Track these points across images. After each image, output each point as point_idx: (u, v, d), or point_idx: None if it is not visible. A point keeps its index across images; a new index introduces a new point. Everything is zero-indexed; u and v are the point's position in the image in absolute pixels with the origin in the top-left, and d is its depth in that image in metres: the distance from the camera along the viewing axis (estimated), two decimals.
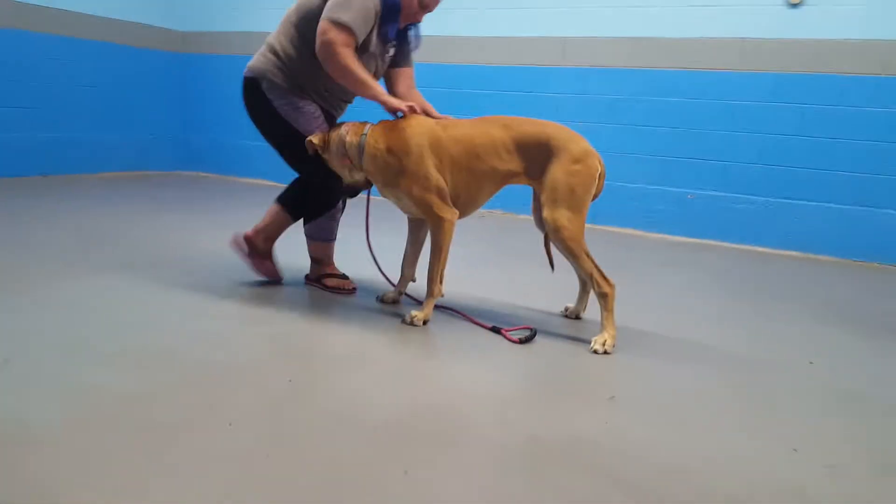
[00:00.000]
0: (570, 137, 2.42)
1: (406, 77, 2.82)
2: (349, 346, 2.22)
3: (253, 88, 2.67)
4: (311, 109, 2.67)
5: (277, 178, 6.41)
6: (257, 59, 2.68)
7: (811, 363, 2.35)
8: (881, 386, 2.18)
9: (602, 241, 4.52)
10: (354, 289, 2.91)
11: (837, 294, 3.51)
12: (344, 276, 2.94)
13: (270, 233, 2.80)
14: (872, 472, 1.60)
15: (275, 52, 2.65)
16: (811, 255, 4.62)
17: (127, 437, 1.52)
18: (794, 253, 4.67)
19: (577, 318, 2.72)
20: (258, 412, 1.69)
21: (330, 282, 2.90)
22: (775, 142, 4.65)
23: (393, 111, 2.53)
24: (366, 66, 2.61)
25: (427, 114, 2.57)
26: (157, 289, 2.71)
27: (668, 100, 4.92)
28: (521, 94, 5.43)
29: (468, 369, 2.09)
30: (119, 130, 6.52)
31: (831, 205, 4.55)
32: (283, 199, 2.79)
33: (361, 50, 2.57)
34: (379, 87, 2.52)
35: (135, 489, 1.32)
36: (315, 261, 2.94)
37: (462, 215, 2.53)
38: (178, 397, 1.75)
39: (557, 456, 1.58)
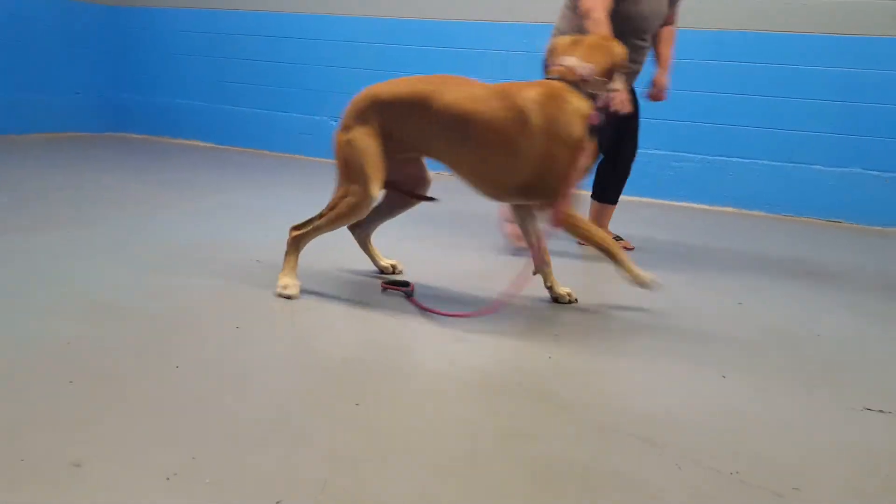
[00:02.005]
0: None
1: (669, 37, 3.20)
2: (300, 295, 2.22)
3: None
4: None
5: (213, 139, 6.27)
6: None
7: (740, 304, 2.48)
8: (802, 321, 2.32)
9: None
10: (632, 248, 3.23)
11: (767, 246, 3.68)
12: (619, 238, 3.28)
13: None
14: (796, 393, 1.72)
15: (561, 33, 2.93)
16: (745, 211, 4.82)
17: (73, 386, 1.50)
18: (728, 209, 4.86)
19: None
20: (206, 357, 1.69)
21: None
22: (713, 100, 4.79)
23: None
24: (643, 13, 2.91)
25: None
26: (96, 246, 2.64)
27: None
28: (468, 52, 5.42)
29: (418, 313, 2.12)
30: (43, 90, 6.20)
31: (764, 161, 4.73)
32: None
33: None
34: None
35: (82, 437, 1.31)
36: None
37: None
38: (122, 345, 1.73)
39: (503, 385, 1.63)
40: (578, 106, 2.11)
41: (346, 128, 2.22)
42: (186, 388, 1.51)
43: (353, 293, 2.30)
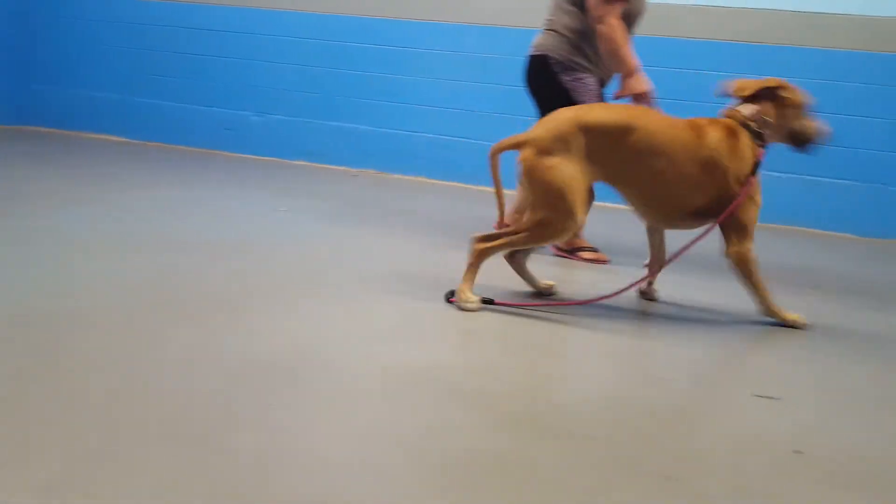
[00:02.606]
0: None
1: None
2: (207, 295, 2.18)
3: (540, 65, 2.95)
4: (591, 82, 2.91)
5: (130, 133, 6.03)
6: (542, 38, 2.98)
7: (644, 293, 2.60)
8: (701, 309, 2.45)
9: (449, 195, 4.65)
10: (608, 261, 3.07)
11: None
12: (595, 249, 3.10)
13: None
14: (689, 381, 1.82)
15: (556, 31, 2.93)
16: None
17: None
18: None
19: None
20: (108, 359, 1.65)
21: (586, 255, 3.07)
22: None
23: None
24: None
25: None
26: None
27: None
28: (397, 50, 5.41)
29: (329, 314, 2.13)
30: None
31: None
32: None
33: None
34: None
35: None
36: None
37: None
38: (21, 346, 1.66)
39: (414, 381, 1.66)
40: (749, 143, 2.29)
41: (547, 152, 2.21)
42: (87, 391, 1.47)
43: (276, 296, 2.28)
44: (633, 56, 2.81)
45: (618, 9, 2.76)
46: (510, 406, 1.59)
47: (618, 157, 2.25)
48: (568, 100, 2.82)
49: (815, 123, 2.41)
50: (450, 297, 2.29)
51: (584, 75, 2.92)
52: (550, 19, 3.01)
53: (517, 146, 2.29)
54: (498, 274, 2.45)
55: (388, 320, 2.12)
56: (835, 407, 1.76)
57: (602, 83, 3.04)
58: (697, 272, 2.94)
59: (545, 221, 2.23)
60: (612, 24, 2.73)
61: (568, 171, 2.21)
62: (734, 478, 1.35)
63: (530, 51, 3.04)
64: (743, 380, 1.97)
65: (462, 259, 2.34)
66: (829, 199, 4.49)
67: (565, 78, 2.91)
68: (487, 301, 2.29)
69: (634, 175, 2.29)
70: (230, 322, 1.97)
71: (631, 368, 1.97)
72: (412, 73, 5.31)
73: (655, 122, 2.28)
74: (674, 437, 1.52)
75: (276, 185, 4.38)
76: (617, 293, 2.35)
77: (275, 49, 5.65)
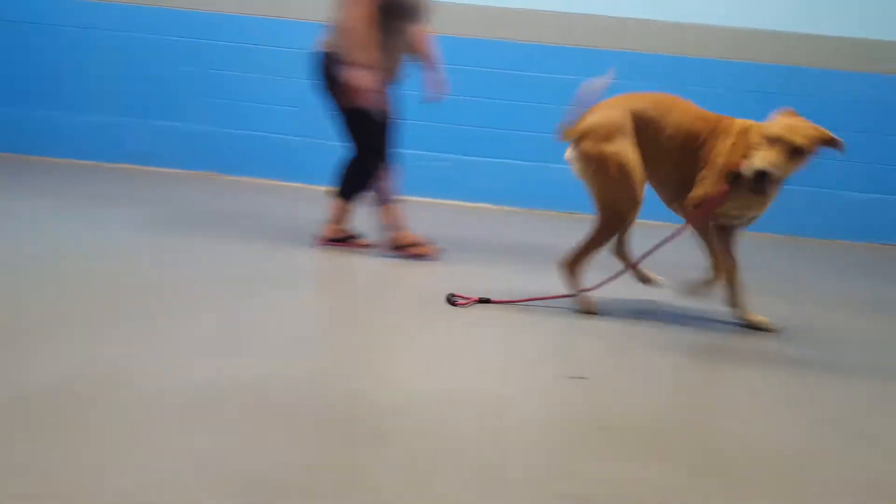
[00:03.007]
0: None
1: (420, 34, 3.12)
2: None
3: (323, 61, 2.93)
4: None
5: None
6: (326, 34, 2.94)
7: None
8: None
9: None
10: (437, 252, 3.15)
11: (516, 237, 4.00)
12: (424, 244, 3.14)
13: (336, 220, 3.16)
14: (517, 367, 1.87)
15: (336, 27, 2.88)
16: (497, 206, 5.17)
17: None
18: (482, 205, 5.18)
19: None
20: None
21: (418, 249, 3.12)
22: (458, 104, 5.05)
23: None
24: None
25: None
26: None
27: None
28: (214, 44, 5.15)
29: (135, 331, 1.97)
30: None
31: (513, 161, 5.12)
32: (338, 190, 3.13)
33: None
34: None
35: None
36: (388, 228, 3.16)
37: None
38: None
39: (223, 397, 1.57)
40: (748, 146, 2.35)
41: (609, 138, 2.35)
42: None
43: (73, 317, 2.07)
44: (368, 52, 2.80)
45: (364, 3, 2.76)
46: (326, 415, 1.55)
47: (655, 142, 2.39)
48: (350, 96, 2.83)
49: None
50: (452, 299, 2.45)
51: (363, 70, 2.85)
52: (332, 15, 2.96)
53: (574, 138, 2.41)
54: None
55: (205, 332, 1.99)
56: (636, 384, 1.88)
57: (387, 79, 3.01)
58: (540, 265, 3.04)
59: (615, 208, 2.39)
60: (354, 17, 2.76)
61: (631, 155, 2.37)
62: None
63: (315, 47, 2.99)
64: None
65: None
66: None
67: (344, 73, 2.84)
68: (484, 300, 2.47)
69: (660, 159, 2.42)
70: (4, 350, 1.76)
71: (463, 362, 1.99)
72: (236, 69, 5.10)
73: (682, 109, 2.42)
74: (503, 424, 1.54)
75: (89, 192, 4.02)
76: (597, 286, 2.50)
77: (85, 43, 5.18)
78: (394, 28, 2.92)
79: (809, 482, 1.43)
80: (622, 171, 2.35)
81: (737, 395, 1.90)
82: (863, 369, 2.16)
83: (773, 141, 2.20)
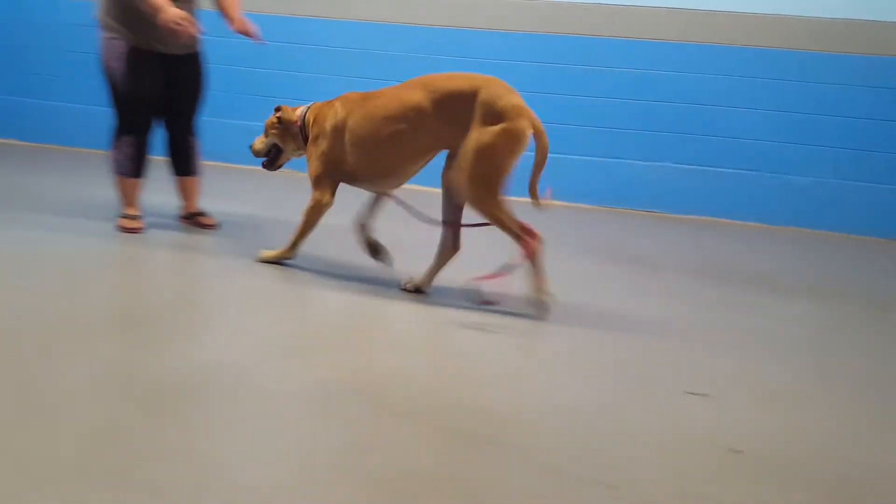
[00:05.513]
0: (499, 93, 2.23)
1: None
2: (109, 311, 2.05)
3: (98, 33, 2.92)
4: (119, 45, 2.85)
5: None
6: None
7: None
8: (626, 309, 2.50)
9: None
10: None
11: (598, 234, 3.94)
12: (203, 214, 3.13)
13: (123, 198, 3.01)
14: (619, 382, 1.85)
15: None
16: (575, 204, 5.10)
17: None
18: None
19: (420, 292, 2.43)
20: (8, 384, 1.52)
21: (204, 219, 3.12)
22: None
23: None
24: None
25: (246, 33, 2.92)
26: None
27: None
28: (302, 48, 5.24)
29: (245, 324, 2.04)
30: None
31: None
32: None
33: None
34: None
35: None
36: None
37: (383, 188, 2.57)
38: None
39: (342, 393, 1.61)
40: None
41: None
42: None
43: (181, 306, 2.17)
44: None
45: None
46: (432, 417, 1.57)
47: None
48: (103, 62, 2.89)
49: None
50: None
51: (114, 37, 2.85)
52: None
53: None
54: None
55: (306, 329, 2.04)
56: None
57: (144, 49, 2.87)
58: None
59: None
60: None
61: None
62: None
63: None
64: None
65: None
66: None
67: (101, 36, 2.89)
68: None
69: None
70: (140, 340, 1.85)
71: (565, 373, 1.98)
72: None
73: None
74: (612, 442, 1.52)
75: None
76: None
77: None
78: None
79: None
80: None
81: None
82: None
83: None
